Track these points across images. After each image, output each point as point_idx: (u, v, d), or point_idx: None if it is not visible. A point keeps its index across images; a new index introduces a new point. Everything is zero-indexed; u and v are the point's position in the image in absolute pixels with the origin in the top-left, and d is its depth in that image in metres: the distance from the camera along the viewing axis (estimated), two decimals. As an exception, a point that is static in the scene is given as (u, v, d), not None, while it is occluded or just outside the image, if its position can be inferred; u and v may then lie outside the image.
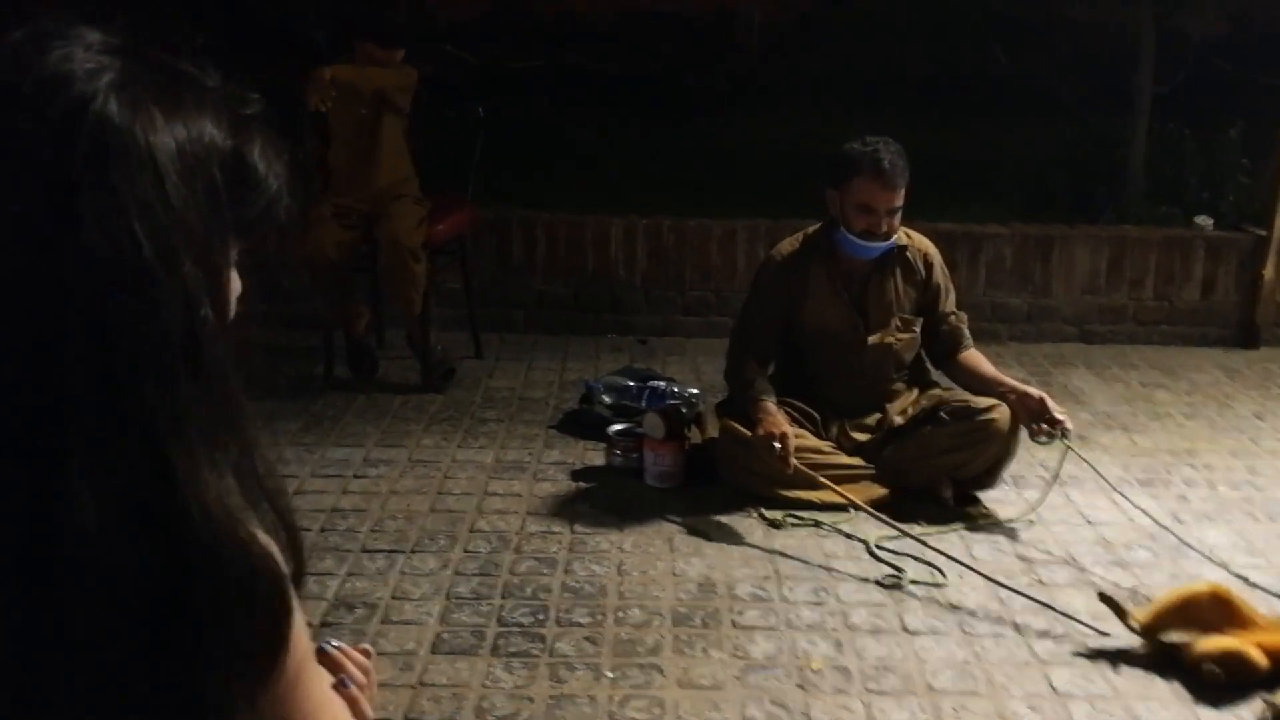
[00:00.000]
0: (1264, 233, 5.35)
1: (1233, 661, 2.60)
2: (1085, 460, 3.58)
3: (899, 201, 3.49)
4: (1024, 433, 3.49)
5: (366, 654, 1.12)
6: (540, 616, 2.87)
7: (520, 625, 2.83)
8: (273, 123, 0.89)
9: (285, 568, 0.83)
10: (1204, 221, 5.63)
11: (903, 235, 3.63)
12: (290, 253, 4.34)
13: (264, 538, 0.82)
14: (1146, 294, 5.47)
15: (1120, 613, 2.79)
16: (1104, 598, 2.83)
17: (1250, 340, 5.43)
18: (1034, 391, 3.47)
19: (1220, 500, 3.69)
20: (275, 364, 4.33)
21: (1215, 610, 2.72)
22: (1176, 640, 2.70)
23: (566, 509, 3.51)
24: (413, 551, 3.20)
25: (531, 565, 3.14)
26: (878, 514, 3.35)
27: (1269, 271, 5.34)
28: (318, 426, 4.10)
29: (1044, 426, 3.40)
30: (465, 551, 3.21)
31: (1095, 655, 2.74)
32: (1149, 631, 2.75)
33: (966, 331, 3.73)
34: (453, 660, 2.67)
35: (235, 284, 0.87)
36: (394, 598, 2.95)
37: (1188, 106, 6.45)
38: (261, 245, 0.98)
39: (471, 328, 4.96)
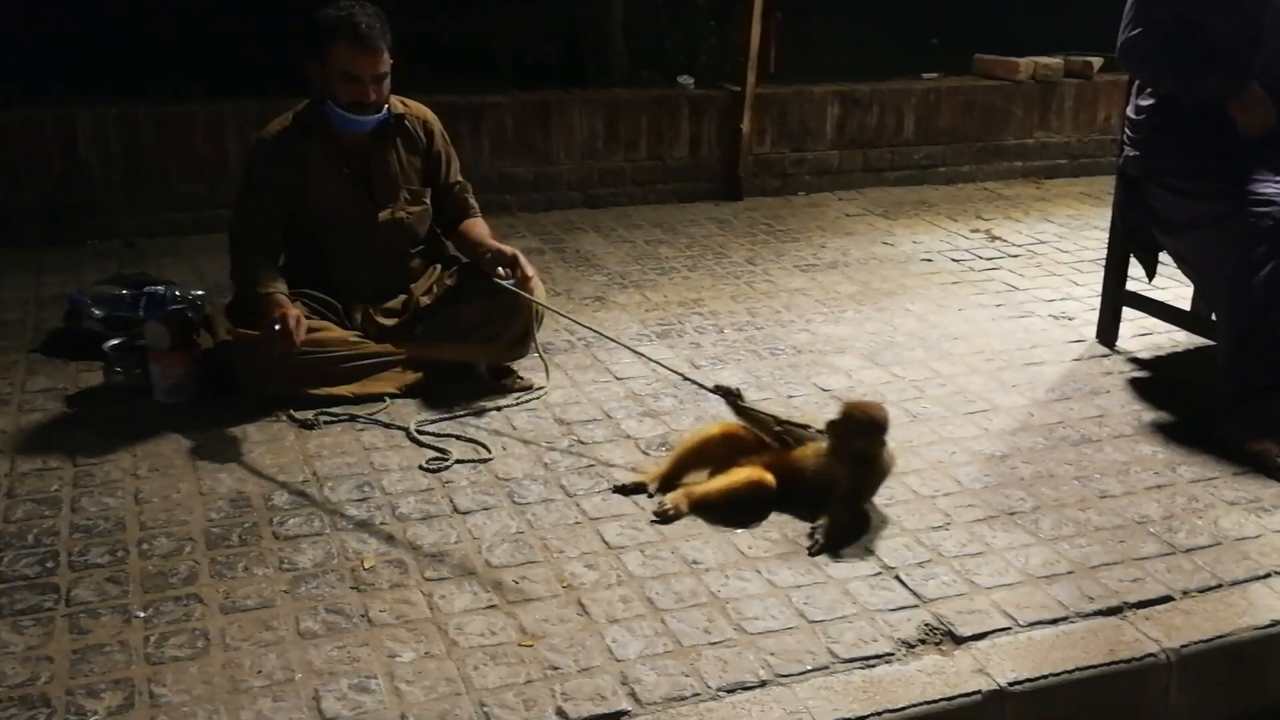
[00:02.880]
0: (738, 89, 5.72)
1: (750, 487, 2.80)
2: (560, 313, 3.66)
3: (384, 67, 3.31)
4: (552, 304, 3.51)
5: None
6: (49, 564, 2.52)
7: (25, 578, 2.47)
8: None
9: None
10: (685, 81, 5.95)
11: (398, 103, 3.47)
12: None
13: None
14: (641, 155, 5.70)
15: (636, 488, 2.89)
16: (619, 489, 2.91)
17: (734, 192, 5.85)
18: (508, 249, 3.43)
19: (728, 343, 3.94)
20: None
21: (727, 446, 2.92)
22: (697, 480, 2.87)
23: (64, 440, 3.10)
24: (-128, 517, 2.70)
25: (30, 509, 2.75)
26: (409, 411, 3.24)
27: (745, 125, 5.74)
28: None
29: (502, 270, 3.38)
30: (-58, 507, 2.75)
31: (640, 505, 2.83)
32: (671, 480, 2.89)
33: (472, 200, 3.66)
34: (-57, 634, 2.28)
35: None
36: None
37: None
38: None
39: (-87, 250, 4.26)
